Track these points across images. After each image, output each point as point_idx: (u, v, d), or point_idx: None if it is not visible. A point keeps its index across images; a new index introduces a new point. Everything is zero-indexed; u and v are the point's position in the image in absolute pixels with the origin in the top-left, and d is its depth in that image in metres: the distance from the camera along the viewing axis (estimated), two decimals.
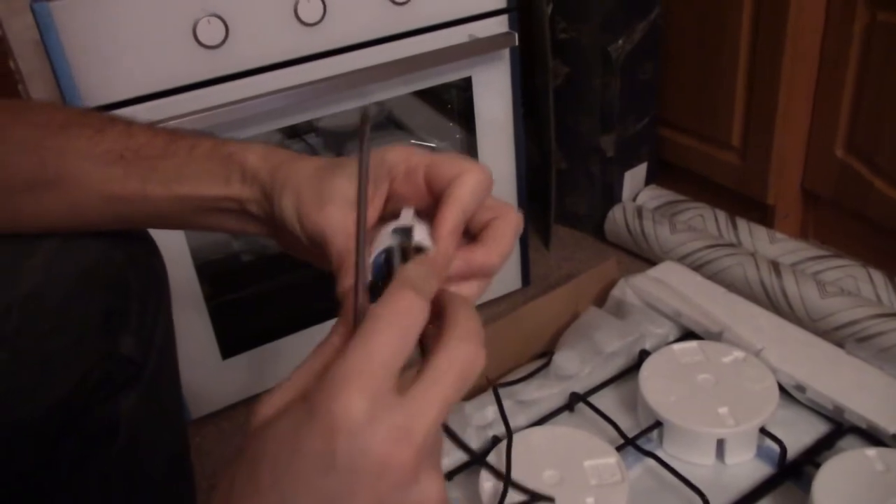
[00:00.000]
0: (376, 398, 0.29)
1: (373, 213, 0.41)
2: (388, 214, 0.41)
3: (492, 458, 0.77)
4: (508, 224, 0.40)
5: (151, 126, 0.49)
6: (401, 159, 0.40)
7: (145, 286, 0.56)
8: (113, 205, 0.47)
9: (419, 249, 0.38)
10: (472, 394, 0.88)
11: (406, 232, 0.38)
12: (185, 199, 0.46)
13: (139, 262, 0.55)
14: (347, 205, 0.39)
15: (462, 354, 0.32)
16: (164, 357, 0.59)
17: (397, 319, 0.31)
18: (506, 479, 0.72)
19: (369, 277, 0.37)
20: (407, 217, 0.39)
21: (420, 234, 0.38)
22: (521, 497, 0.71)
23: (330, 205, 0.40)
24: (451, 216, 0.38)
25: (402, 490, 0.29)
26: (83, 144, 0.47)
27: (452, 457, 0.81)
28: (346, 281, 0.37)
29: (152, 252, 0.58)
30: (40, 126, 0.48)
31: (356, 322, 0.33)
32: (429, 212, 0.40)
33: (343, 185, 0.40)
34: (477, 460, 0.76)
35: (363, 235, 0.34)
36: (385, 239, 0.38)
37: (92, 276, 0.51)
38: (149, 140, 0.47)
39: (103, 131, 0.47)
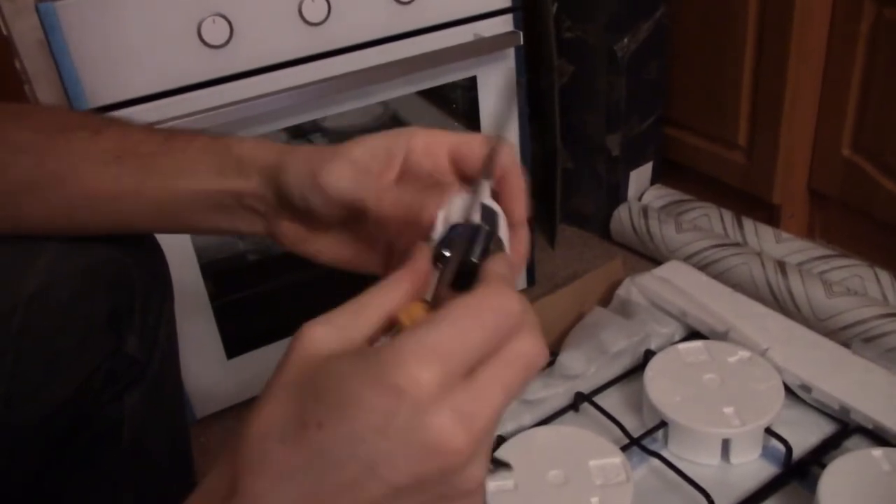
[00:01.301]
0: (451, 379, 0.28)
1: (389, 176, 0.41)
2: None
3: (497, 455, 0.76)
4: (520, 201, 0.41)
5: (148, 126, 0.49)
6: (421, 138, 0.41)
7: (149, 286, 0.56)
8: (111, 204, 0.48)
9: (498, 243, 0.37)
10: None
11: (492, 217, 0.37)
12: (182, 194, 0.46)
13: (142, 261, 0.55)
14: (356, 163, 0.40)
15: (528, 347, 0.31)
16: (168, 356, 0.59)
17: (500, 315, 0.30)
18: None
19: (436, 238, 0.36)
20: (486, 194, 0.38)
21: (503, 227, 0.38)
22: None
23: (345, 156, 0.40)
24: (521, 193, 0.39)
25: (448, 475, 0.28)
26: (81, 146, 0.47)
27: None
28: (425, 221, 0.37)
29: (155, 252, 0.58)
30: (39, 129, 0.48)
31: (440, 283, 0.33)
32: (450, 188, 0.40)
33: (350, 150, 0.41)
34: None
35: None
36: (470, 211, 0.37)
37: (96, 276, 0.51)
38: (145, 138, 0.47)
39: (100, 132, 0.47)
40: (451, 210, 0.37)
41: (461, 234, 0.36)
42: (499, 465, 0.69)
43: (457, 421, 0.28)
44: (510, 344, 0.30)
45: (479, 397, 0.29)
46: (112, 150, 0.47)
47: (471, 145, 0.40)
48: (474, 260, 0.35)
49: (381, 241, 0.44)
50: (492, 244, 0.36)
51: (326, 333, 0.30)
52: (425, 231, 0.37)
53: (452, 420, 0.28)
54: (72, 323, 0.50)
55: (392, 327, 0.32)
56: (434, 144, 0.41)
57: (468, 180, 0.41)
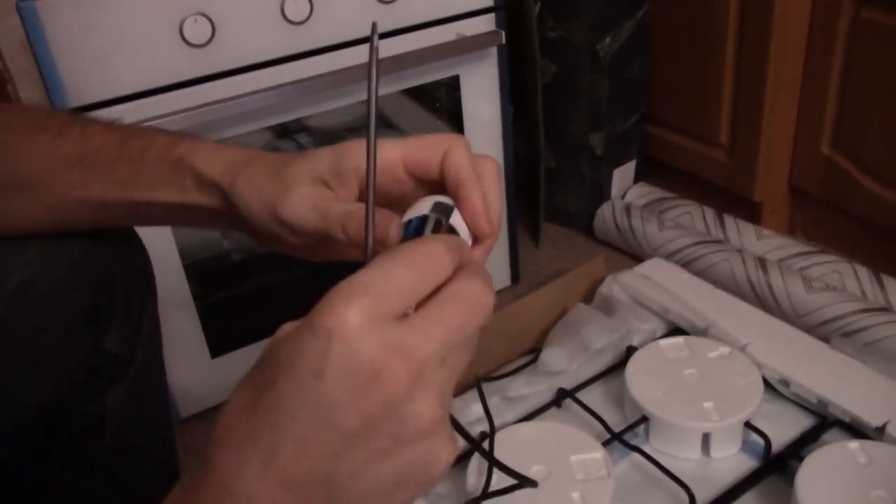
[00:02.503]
0: (379, 314, 0.29)
1: (345, 196, 0.41)
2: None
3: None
4: (493, 181, 0.40)
5: (107, 125, 0.49)
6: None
7: (131, 282, 0.56)
8: (80, 208, 0.48)
9: (451, 230, 0.38)
10: (459, 391, 0.88)
11: (447, 210, 0.38)
12: (145, 204, 0.46)
13: (124, 258, 0.55)
14: (313, 182, 0.40)
15: (467, 287, 0.31)
16: (150, 352, 0.59)
17: (421, 259, 0.31)
18: (490, 459, 0.73)
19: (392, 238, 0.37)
20: (448, 196, 0.39)
21: (456, 218, 0.38)
22: (507, 482, 0.71)
23: (298, 186, 0.40)
24: (477, 201, 0.38)
25: (393, 406, 0.29)
26: (47, 148, 0.47)
27: None
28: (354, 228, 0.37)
29: (137, 248, 0.58)
30: (12, 129, 0.48)
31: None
32: (415, 195, 0.40)
33: (306, 166, 0.40)
34: (475, 447, 0.76)
35: (373, 171, 0.34)
36: (423, 208, 0.38)
37: (78, 272, 0.52)
38: (103, 142, 0.47)
39: (63, 134, 0.47)
40: (411, 213, 0.38)
41: (414, 226, 0.37)
42: (525, 481, 0.70)
43: (389, 350, 0.28)
44: (448, 286, 0.31)
45: (413, 331, 0.29)
46: (74, 155, 0.47)
47: (423, 152, 0.40)
48: None
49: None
50: (442, 230, 0.37)
51: (285, 326, 0.31)
52: (396, 240, 0.38)
53: (384, 349, 0.28)
54: (53, 319, 0.50)
55: None
56: (386, 161, 0.40)
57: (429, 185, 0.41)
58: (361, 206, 0.40)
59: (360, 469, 0.29)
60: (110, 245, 0.54)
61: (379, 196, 0.41)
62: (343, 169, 0.41)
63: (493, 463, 0.72)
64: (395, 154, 0.40)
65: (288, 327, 0.31)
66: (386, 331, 0.29)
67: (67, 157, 0.47)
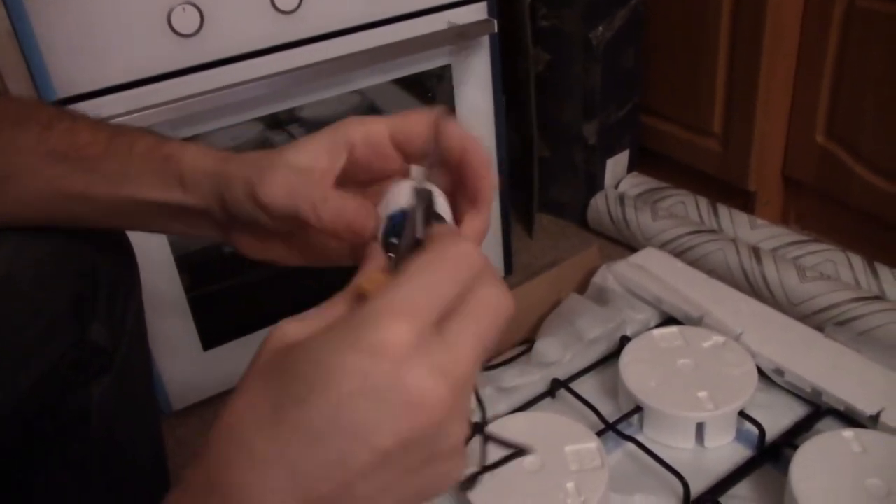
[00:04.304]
0: (424, 333, 0.28)
1: (328, 180, 0.40)
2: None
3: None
4: (485, 175, 0.39)
5: (97, 122, 0.49)
6: (359, 130, 0.40)
7: (114, 274, 0.55)
8: (62, 202, 0.47)
9: (437, 217, 0.37)
10: None
11: (427, 196, 0.37)
12: (129, 200, 0.45)
13: (107, 249, 0.55)
14: (293, 169, 0.39)
15: (493, 295, 0.30)
16: (135, 344, 0.59)
17: (462, 262, 0.30)
18: (482, 428, 0.73)
19: (380, 231, 0.36)
20: (420, 177, 0.38)
21: (442, 204, 0.37)
22: (503, 452, 0.71)
23: (279, 168, 0.39)
24: (486, 168, 0.37)
25: (431, 429, 0.28)
26: (32, 141, 0.46)
27: None
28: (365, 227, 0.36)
29: (121, 240, 0.57)
30: None
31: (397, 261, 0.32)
32: (403, 171, 0.40)
33: (288, 156, 0.40)
34: (480, 432, 0.76)
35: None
36: (404, 197, 0.37)
37: (59, 264, 0.51)
38: (91, 138, 0.46)
39: (50, 128, 0.47)
40: (388, 202, 0.38)
41: (399, 220, 0.37)
42: (519, 450, 0.69)
43: (435, 375, 0.28)
44: (475, 292, 0.30)
45: (453, 349, 0.28)
46: (59, 149, 0.46)
47: (411, 126, 0.39)
48: (420, 237, 0.35)
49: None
50: (432, 219, 0.36)
51: (297, 327, 0.30)
52: (374, 232, 0.37)
53: (431, 374, 0.27)
54: (35, 311, 0.50)
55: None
56: (374, 134, 0.40)
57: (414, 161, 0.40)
58: (336, 192, 0.39)
59: (387, 487, 0.29)
60: (93, 236, 0.53)
61: (366, 173, 0.41)
62: (332, 153, 0.40)
63: (489, 438, 0.72)
64: (382, 129, 0.40)
65: (292, 332, 0.30)
66: (430, 351, 0.28)
67: (53, 150, 0.46)
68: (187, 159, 0.43)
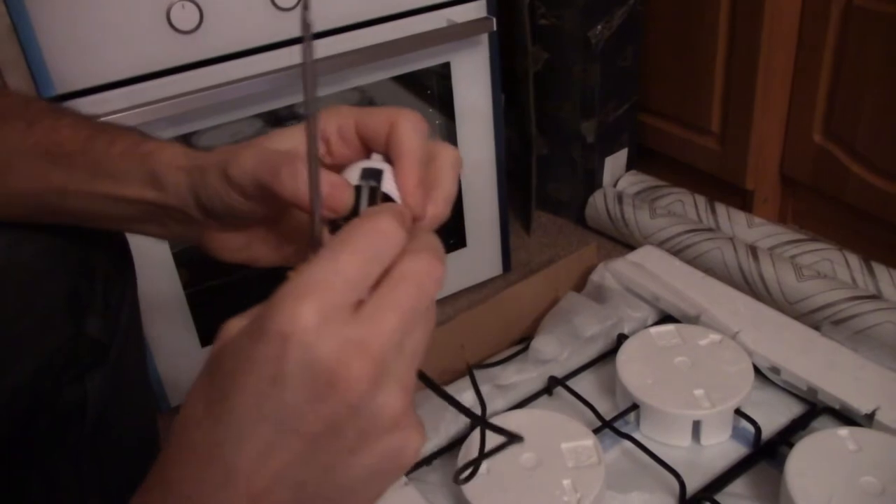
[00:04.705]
0: (332, 311, 0.28)
1: (301, 159, 0.39)
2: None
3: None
4: (447, 165, 0.38)
5: (81, 119, 0.48)
6: (333, 121, 0.40)
7: (109, 268, 0.55)
8: (42, 199, 0.47)
9: (386, 198, 0.37)
10: (451, 378, 0.88)
11: (376, 175, 0.37)
12: (106, 197, 0.45)
13: (102, 243, 0.55)
14: (266, 149, 0.39)
15: (416, 264, 0.30)
16: (131, 337, 0.59)
17: (373, 238, 0.29)
18: (482, 421, 0.73)
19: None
20: (377, 160, 0.38)
21: (389, 183, 0.37)
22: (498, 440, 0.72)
23: (248, 149, 0.39)
24: (412, 172, 0.36)
25: (356, 406, 0.28)
26: (15, 137, 0.46)
27: (430, 443, 0.81)
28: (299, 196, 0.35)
29: (116, 234, 0.57)
30: None
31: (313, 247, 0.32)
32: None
33: (262, 141, 0.40)
34: (479, 422, 0.76)
35: (316, 153, 0.32)
36: (353, 177, 0.37)
37: (54, 258, 0.51)
38: (72, 135, 0.46)
39: (34, 124, 0.47)
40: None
41: None
42: (512, 437, 0.70)
43: (349, 349, 0.27)
44: (398, 266, 0.30)
45: (368, 322, 0.28)
46: (41, 145, 0.46)
47: (374, 120, 0.39)
48: (341, 222, 0.35)
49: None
50: (378, 199, 0.36)
51: (238, 323, 0.30)
52: (349, 205, 0.36)
53: (342, 348, 0.27)
54: (31, 305, 0.50)
55: None
56: (345, 127, 0.39)
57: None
58: (300, 154, 0.37)
59: (330, 469, 0.29)
60: (87, 230, 0.53)
61: (332, 159, 0.41)
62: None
63: (487, 426, 0.72)
64: (349, 117, 0.39)
65: (233, 328, 0.30)
66: (341, 329, 0.28)
67: (35, 146, 0.46)
68: (164, 157, 0.43)
